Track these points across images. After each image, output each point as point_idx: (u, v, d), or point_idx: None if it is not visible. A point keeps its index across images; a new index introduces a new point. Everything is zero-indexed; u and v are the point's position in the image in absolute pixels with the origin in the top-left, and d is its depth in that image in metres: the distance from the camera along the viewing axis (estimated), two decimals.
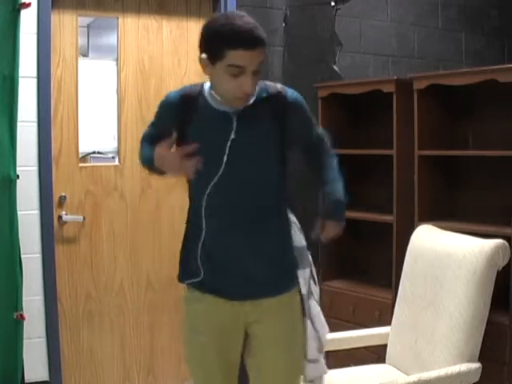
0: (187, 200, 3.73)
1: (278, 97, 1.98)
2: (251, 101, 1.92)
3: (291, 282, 2.04)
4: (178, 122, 1.98)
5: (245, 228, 1.95)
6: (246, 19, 1.85)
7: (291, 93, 2.01)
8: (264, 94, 1.96)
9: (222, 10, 3.55)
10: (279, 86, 2.02)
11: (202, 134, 1.94)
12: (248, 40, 1.80)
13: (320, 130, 2.18)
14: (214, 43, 1.85)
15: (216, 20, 1.90)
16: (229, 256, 1.97)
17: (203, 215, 1.97)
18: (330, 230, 2.05)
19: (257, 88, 1.91)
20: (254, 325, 2.01)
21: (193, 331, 2.05)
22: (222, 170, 1.93)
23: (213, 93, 1.96)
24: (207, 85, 2.01)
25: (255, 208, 1.96)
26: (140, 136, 3.51)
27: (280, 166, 2.01)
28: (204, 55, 1.90)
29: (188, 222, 2.07)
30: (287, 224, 2.06)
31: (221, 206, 1.96)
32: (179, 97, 2.01)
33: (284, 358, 2.01)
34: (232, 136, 1.92)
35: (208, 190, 1.94)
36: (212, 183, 1.94)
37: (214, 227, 1.97)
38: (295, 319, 2.05)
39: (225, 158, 1.93)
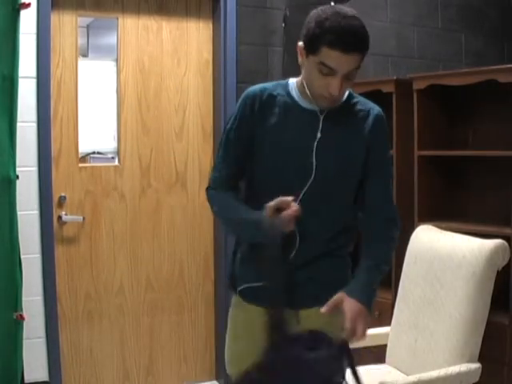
0: (187, 200, 3.75)
1: (365, 109, 1.90)
2: (339, 103, 1.84)
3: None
4: (252, 124, 1.88)
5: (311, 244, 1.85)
6: (353, 21, 1.72)
7: (378, 111, 1.92)
8: (353, 101, 1.89)
9: (222, 10, 3.55)
10: (367, 101, 1.95)
11: (283, 133, 1.86)
12: (347, 43, 1.70)
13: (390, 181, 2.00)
14: (313, 35, 1.74)
15: (324, 11, 1.76)
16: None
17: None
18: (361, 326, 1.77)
19: (346, 93, 1.84)
20: None
21: (232, 336, 2.02)
22: (312, 177, 1.82)
23: (299, 90, 1.88)
24: (292, 81, 1.93)
25: (329, 227, 1.87)
26: (139, 136, 3.56)
27: (356, 188, 1.90)
28: (301, 43, 1.79)
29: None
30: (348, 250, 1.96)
31: (303, 222, 1.79)
32: (258, 95, 1.90)
33: None
34: (318, 135, 1.83)
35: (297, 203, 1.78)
36: (301, 195, 1.81)
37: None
38: None
39: (314, 162, 1.83)
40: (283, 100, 1.89)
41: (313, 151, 1.83)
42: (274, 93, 1.90)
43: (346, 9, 1.77)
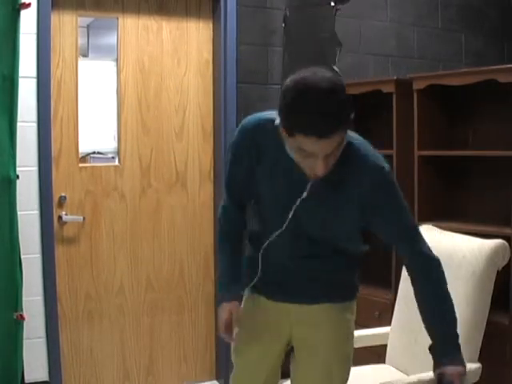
0: (188, 200, 3.75)
1: (361, 167, 1.76)
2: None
3: (340, 296, 1.98)
4: (251, 159, 1.86)
5: (299, 263, 1.92)
6: (327, 99, 1.54)
7: (376, 169, 1.76)
8: (348, 156, 1.72)
9: (222, 10, 3.55)
10: (367, 152, 1.77)
11: (272, 180, 1.84)
12: (321, 130, 1.54)
13: (413, 228, 1.89)
14: (286, 121, 1.61)
15: (295, 88, 1.59)
16: (281, 277, 1.96)
17: (260, 252, 1.95)
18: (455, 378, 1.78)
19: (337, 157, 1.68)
20: (298, 334, 1.99)
21: (241, 325, 2.05)
22: (284, 227, 1.85)
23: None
24: None
25: (314, 256, 1.91)
26: (139, 136, 3.57)
27: (356, 238, 1.94)
28: (277, 120, 1.67)
29: (249, 240, 2.05)
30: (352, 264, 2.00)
31: (277, 255, 1.93)
32: (255, 128, 1.85)
33: (320, 371, 1.94)
34: (303, 196, 1.79)
35: (267, 242, 1.91)
36: (271, 238, 1.89)
37: (269, 260, 1.95)
38: (341, 335, 1.97)
39: (289, 216, 1.84)
40: (277, 143, 1.76)
41: (292, 208, 1.81)
42: (269, 127, 1.79)
43: (320, 79, 1.58)
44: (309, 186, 1.78)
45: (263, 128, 1.83)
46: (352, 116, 1.61)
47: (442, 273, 1.87)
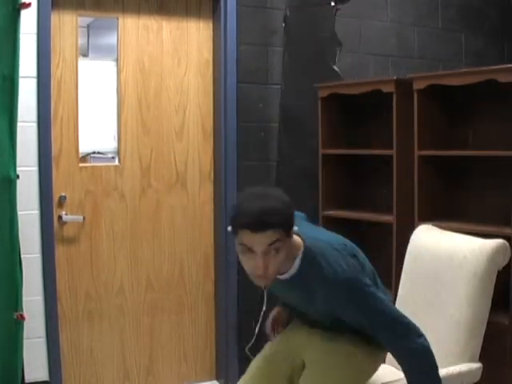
0: (188, 200, 3.76)
1: (322, 280, 1.91)
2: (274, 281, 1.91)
3: None
4: None
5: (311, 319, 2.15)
6: (262, 201, 1.81)
7: (324, 276, 1.91)
8: (308, 265, 1.93)
9: (222, 10, 3.55)
10: (327, 262, 1.92)
11: None
12: (250, 223, 1.78)
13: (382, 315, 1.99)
14: (231, 219, 1.88)
15: (239, 196, 1.97)
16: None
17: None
18: None
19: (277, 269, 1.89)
20: (305, 351, 2.15)
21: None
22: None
23: None
24: None
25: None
26: (139, 136, 3.57)
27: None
28: (229, 227, 1.89)
29: None
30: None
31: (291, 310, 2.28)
32: None
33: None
34: (263, 308, 2.12)
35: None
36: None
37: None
38: (340, 361, 2.08)
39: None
40: None
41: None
42: None
43: (255, 189, 1.88)
44: (265, 297, 2.06)
45: None
46: (292, 225, 1.84)
47: (423, 361, 1.95)
